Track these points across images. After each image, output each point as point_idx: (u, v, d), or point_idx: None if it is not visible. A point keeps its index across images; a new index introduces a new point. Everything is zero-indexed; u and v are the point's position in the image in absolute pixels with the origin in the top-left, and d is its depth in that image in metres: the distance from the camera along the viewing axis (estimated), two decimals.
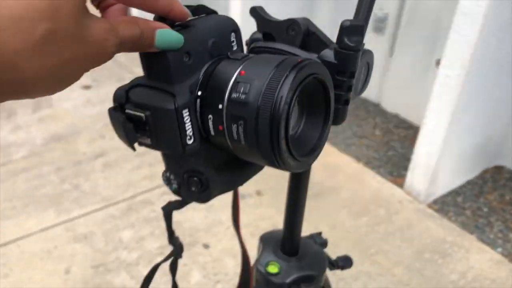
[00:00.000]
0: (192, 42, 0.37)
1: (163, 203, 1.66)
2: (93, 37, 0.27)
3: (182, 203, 0.48)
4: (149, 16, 0.36)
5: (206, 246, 1.57)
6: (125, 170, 1.95)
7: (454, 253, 1.60)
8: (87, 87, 2.63)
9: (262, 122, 0.36)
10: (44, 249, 1.56)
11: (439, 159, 1.77)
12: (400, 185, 1.93)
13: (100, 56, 0.29)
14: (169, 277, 0.60)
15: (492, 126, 1.91)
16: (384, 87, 2.57)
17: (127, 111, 0.38)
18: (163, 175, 0.46)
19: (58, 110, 2.42)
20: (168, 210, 0.49)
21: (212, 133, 0.39)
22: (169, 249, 1.55)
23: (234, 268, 1.47)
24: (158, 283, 0.64)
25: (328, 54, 0.46)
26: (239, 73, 0.38)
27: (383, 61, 2.50)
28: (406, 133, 2.37)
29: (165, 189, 1.80)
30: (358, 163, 2.08)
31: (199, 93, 0.38)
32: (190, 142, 0.38)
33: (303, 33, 0.48)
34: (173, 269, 0.55)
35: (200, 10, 0.41)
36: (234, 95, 0.37)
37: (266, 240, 0.66)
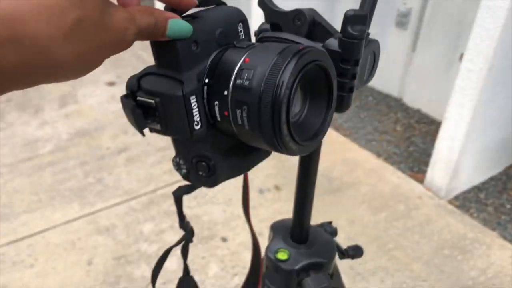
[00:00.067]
0: (200, 32, 0.39)
1: (183, 198, 1.69)
2: (115, 26, 0.29)
3: (191, 188, 0.50)
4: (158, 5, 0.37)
5: (224, 239, 1.59)
6: (146, 164, 1.99)
7: (474, 249, 1.58)
8: (111, 84, 2.68)
9: (264, 107, 0.37)
10: (68, 241, 1.60)
11: (460, 154, 1.75)
12: (421, 180, 1.92)
13: (120, 44, 0.30)
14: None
15: None
16: (406, 82, 2.55)
17: (138, 98, 0.40)
18: (173, 160, 0.47)
19: (83, 106, 2.47)
20: (178, 195, 0.51)
21: (219, 118, 0.40)
22: None
23: None
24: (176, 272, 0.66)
25: (333, 43, 0.47)
26: (244, 60, 0.39)
27: (406, 56, 2.49)
28: (428, 128, 2.35)
29: (184, 183, 1.83)
30: (378, 159, 2.07)
31: (206, 80, 0.40)
32: (197, 127, 0.40)
33: (308, 23, 0.49)
34: (185, 253, 0.57)
35: (210, 1, 0.42)
36: (238, 81, 0.38)
37: (277, 228, 0.67)
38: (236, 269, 1.47)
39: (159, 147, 2.09)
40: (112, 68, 2.74)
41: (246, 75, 0.38)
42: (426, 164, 1.93)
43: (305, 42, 0.48)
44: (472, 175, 1.91)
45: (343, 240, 1.58)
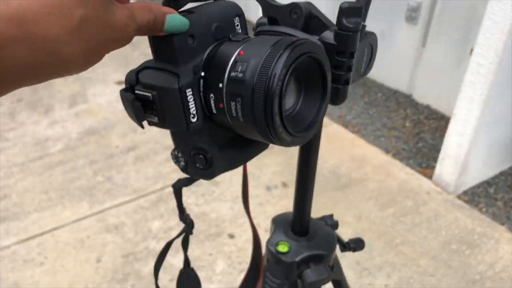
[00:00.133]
0: (196, 26, 0.40)
1: (191, 195, 1.72)
2: (117, 22, 0.30)
3: (189, 180, 0.51)
4: None
5: (231, 236, 1.60)
6: (155, 163, 2.00)
7: (483, 244, 1.58)
8: (120, 83, 2.69)
9: (257, 99, 0.37)
10: (77, 239, 1.62)
11: (469, 150, 1.74)
12: (429, 176, 1.92)
13: (121, 39, 0.32)
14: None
15: None
16: (415, 78, 2.54)
17: (136, 91, 0.40)
18: (172, 153, 0.48)
19: (93, 105, 2.49)
20: (177, 187, 0.52)
21: (214, 111, 0.41)
22: (195, 238, 1.60)
23: None
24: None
25: (328, 35, 0.47)
26: (238, 53, 0.40)
27: (415, 51, 2.47)
28: (438, 124, 2.34)
29: (185, 176, 1.84)
30: (387, 155, 2.07)
31: (202, 73, 0.40)
32: (194, 120, 0.41)
33: (305, 16, 0.50)
34: (185, 245, 0.57)
35: None
36: (232, 74, 0.39)
37: (278, 221, 0.67)
38: (243, 265, 1.48)
39: (167, 145, 2.10)
40: (121, 67, 2.76)
41: (240, 67, 0.39)
42: (435, 160, 1.93)
43: (301, 35, 0.48)
44: (481, 170, 1.90)
45: (350, 236, 1.57)
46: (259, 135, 0.40)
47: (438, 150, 1.92)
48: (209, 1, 0.43)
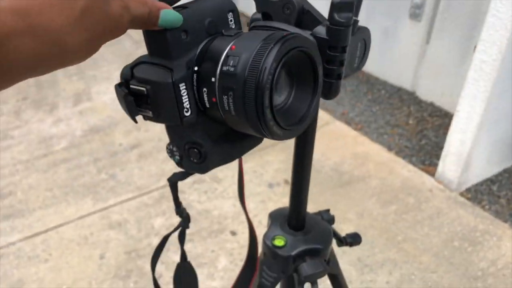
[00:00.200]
0: (189, 21, 0.40)
1: (194, 192, 1.73)
2: (113, 13, 0.31)
3: (184, 174, 0.51)
4: None
5: (233, 233, 1.60)
6: (158, 160, 2.01)
7: (485, 241, 1.58)
8: None
9: (248, 92, 0.38)
10: (81, 236, 1.63)
11: (472, 147, 1.74)
12: (432, 174, 1.91)
13: (117, 30, 0.32)
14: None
15: None
16: (419, 75, 2.53)
17: (131, 86, 0.41)
18: (167, 148, 0.48)
19: (97, 103, 2.50)
20: (173, 181, 0.52)
21: (208, 105, 0.42)
22: (197, 235, 1.61)
23: None
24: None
25: (321, 30, 0.48)
26: (230, 48, 0.40)
27: (419, 48, 2.47)
28: (441, 121, 2.33)
29: (195, 178, 1.85)
30: (390, 152, 2.07)
31: (196, 68, 0.41)
32: (187, 114, 0.41)
33: (297, 12, 0.50)
34: (181, 239, 0.58)
35: None
36: (224, 68, 0.39)
37: (275, 216, 0.68)
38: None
39: None
40: (125, 65, 2.77)
41: (232, 61, 0.39)
42: (438, 157, 1.92)
43: (294, 30, 0.49)
44: (484, 167, 1.90)
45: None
46: (251, 129, 0.41)
47: (441, 148, 1.91)
48: None
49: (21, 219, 1.70)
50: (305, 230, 0.65)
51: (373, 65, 2.76)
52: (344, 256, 1.51)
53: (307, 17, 0.51)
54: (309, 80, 0.44)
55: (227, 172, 1.86)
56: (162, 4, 0.37)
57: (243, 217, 1.67)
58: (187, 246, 1.55)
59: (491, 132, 1.76)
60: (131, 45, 3.01)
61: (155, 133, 2.18)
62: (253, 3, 0.50)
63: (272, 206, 1.69)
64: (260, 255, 0.67)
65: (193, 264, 1.49)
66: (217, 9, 0.44)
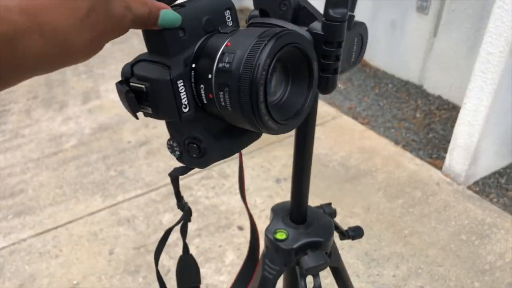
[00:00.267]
0: (187, 20, 0.41)
1: (201, 188, 1.74)
2: (116, 13, 0.32)
3: (185, 169, 0.53)
4: None
5: (240, 228, 1.62)
6: (166, 157, 2.03)
7: (492, 234, 1.57)
8: None
9: (243, 88, 0.39)
10: (90, 232, 1.65)
11: (480, 140, 1.73)
12: (439, 167, 1.91)
13: (119, 30, 0.33)
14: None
15: None
16: (427, 68, 2.52)
17: (131, 83, 0.42)
18: (167, 143, 0.49)
19: (105, 101, 2.52)
20: (173, 176, 0.54)
21: (205, 101, 0.43)
22: (205, 230, 1.62)
23: None
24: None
25: (316, 26, 0.48)
26: (226, 45, 0.41)
27: (427, 42, 2.46)
28: (449, 114, 2.32)
29: (203, 174, 1.86)
30: (396, 146, 2.07)
31: (193, 65, 0.42)
32: (185, 110, 0.42)
33: (294, 8, 0.51)
34: (183, 232, 0.59)
35: None
36: (220, 64, 0.40)
37: (277, 210, 0.69)
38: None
39: None
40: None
41: (227, 58, 0.40)
42: (446, 150, 1.92)
43: (290, 26, 0.50)
44: (492, 160, 1.89)
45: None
46: (247, 124, 0.42)
47: (449, 141, 1.91)
48: None
49: (32, 216, 1.73)
50: (307, 224, 0.66)
51: (380, 59, 2.75)
52: (351, 250, 1.52)
53: (303, 13, 0.52)
54: (304, 75, 0.45)
55: (234, 167, 1.87)
56: (162, 4, 0.38)
57: (251, 211, 1.68)
58: (195, 241, 1.57)
59: (498, 124, 1.76)
60: (139, 43, 3.02)
61: (163, 130, 2.17)
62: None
63: (279, 201, 1.70)
64: (263, 249, 0.68)
65: (201, 259, 1.51)
66: (214, 7, 0.45)
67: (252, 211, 1.68)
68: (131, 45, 3.02)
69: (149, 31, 0.40)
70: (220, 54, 0.41)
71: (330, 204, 0.71)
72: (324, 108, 2.34)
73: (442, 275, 1.43)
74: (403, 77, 2.67)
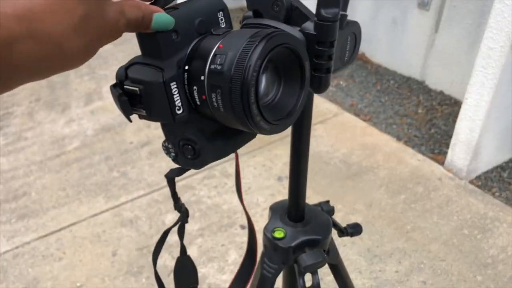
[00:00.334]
0: (180, 22, 0.42)
1: (204, 187, 1.75)
2: (110, 18, 0.32)
3: (181, 170, 0.53)
4: None
5: (243, 227, 1.62)
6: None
7: (495, 228, 1.57)
8: None
9: (234, 89, 0.39)
10: (94, 233, 1.66)
11: (481, 135, 1.73)
12: (441, 162, 1.91)
13: (113, 34, 0.33)
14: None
15: None
16: (428, 64, 2.52)
17: (125, 86, 0.43)
18: (163, 145, 0.50)
19: (108, 102, 2.53)
20: (170, 177, 0.54)
21: (198, 103, 0.43)
22: (207, 229, 1.62)
23: None
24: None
25: (309, 26, 0.48)
26: (218, 46, 0.42)
27: (428, 38, 2.46)
28: (451, 110, 2.32)
29: (205, 173, 1.87)
30: (398, 142, 2.07)
31: (186, 67, 0.43)
32: (179, 112, 0.43)
33: (286, 9, 0.51)
34: (181, 233, 0.60)
35: None
36: (212, 66, 0.41)
37: (275, 208, 0.69)
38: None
39: None
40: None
41: (219, 60, 0.40)
42: (448, 145, 1.92)
43: (283, 27, 0.50)
44: (494, 155, 1.89)
45: (360, 223, 1.59)
46: (239, 124, 0.42)
47: (450, 136, 1.91)
48: None
49: (35, 219, 1.74)
50: (305, 222, 0.66)
51: (382, 56, 2.75)
52: (353, 247, 1.52)
53: (296, 14, 0.52)
54: (296, 76, 0.45)
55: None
56: (155, 7, 0.38)
57: (253, 210, 1.69)
58: (198, 241, 1.57)
59: (500, 119, 1.75)
60: None
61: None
62: None
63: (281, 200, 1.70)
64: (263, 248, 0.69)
65: (204, 258, 1.52)
66: (207, 9, 0.45)
67: (254, 210, 1.69)
68: (133, 46, 3.02)
69: (143, 34, 0.41)
70: (212, 55, 0.41)
71: (328, 201, 0.71)
72: (325, 105, 2.34)
73: (445, 269, 1.44)
74: (404, 73, 2.67)
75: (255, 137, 0.52)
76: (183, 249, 0.62)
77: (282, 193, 1.75)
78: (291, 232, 0.64)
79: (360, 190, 1.76)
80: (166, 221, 1.68)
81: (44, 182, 1.95)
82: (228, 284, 0.72)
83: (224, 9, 0.47)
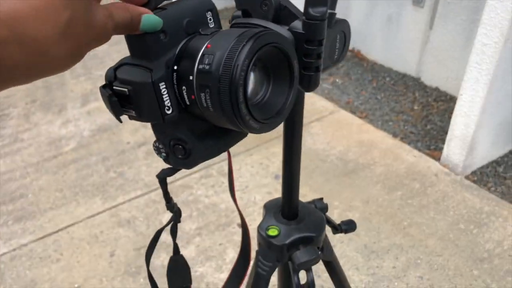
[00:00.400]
0: (168, 22, 0.42)
1: (201, 186, 1.75)
2: (97, 23, 0.32)
3: (172, 170, 0.53)
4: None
5: (240, 225, 1.62)
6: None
7: (490, 222, 1.58)
8: None
9: (223, 89, 0.39)
10: (91, 234, 1.66)
11: (476, 130, 1.74)
12: (437, 158, 1.92)
13: (101, 38, 0.33)
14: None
15: None
16: (424, 61, 2.53)
17: (114, 87, 0.43)
18: (153, 145, 0.50)
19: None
20: (161, 177, 0.54)
21: (188, 102, 0.43)
22: (205, 228, 1.63)
23: None
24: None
25: (297, 24, 0.49)
26: (206, 46, 0.42)
27: (423, 34, 2.46)
28: (447, 106, 2.33)
29: (202, 173, 1.87)
30: (395, 139, 2.07)
31: (175, 67, 0.43)
32: (169, 112, 0.43)
33: (275, 8, 0.52)
34: (173, 233, 0.60)
35: None
36: (200, 66, 0.41)
37: (269, 206, 0.70)
38: (252, 253, 1.51)
39: None
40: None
41: (207, 60, 0.41)
42: (444, 141, 1.92)
43: (272, 26, 0.50)
44: (489, 150, 1.90)
45: (357, 220, 1.59)
46: (229, 124, 0.42)
47: (446, 132, 1.91)
48: None
49: (32, 220, 1.74)
50: (298, 219, 0.67)
51: (377, 53, 2.76)
52: (350, 244, 1.53)
53: (285, 13, 0.52)
54: (285, 75, 0.46)
55: (233, 165, 1.88)
56: (143, 9, 0.38)
57: (250, 209, 1.69)
58: (195, 240, 1.58)
59: (494, 114, 1.76)
60: None
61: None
62: None
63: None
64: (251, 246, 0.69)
65: (202, 257, 1.52)
66: (195, 9, 0.45)
67: (252, 208, 1.69)
68: None
69: (131, 36, 0.41)
70: (201, 55, 0.41)
71: (321, 199, 0.72)
72: (321, 103, 2.35)
73: (441, 264, 1.44)
74: (400, 70, 2.67)
75: (246, 136, 0.52)
76: (176, 248, 0.63)
77: (280, 191, 1.74)
78: (285, 230, 0.65)
79: (356, 187, 1.77)
80: (163, 220, 1.68)
81: (41, 183, 1.95)
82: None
83: (213, 9, 0.47)
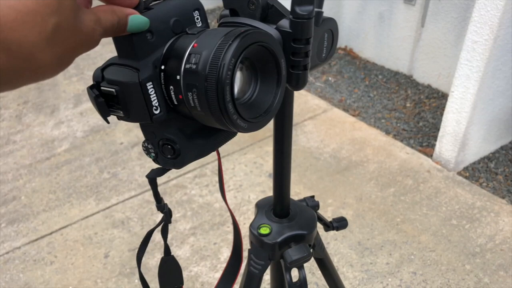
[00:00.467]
0: (155, 22, 0.42)
1: (195, 186, 1.75)
2: (85, 28, 0.32)
3: (162, 170, 0.53)
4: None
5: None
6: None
7: (482, 217, 1.59)
8: None
9: (209, 88, 0.40)
10: (85, 236, 1.66)
11: (468, 126, 1.75)
12: (430, 155, 1.93)
13: (89, 43, 0.33)
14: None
15: None
16: (415, 58, 2.54)
17: (102, 88, 0.43)
18: (142, 145, 0.50)
19: None
20: (151, 177, 0.54)
21: (175, 102, 0.43)
22: (200, 228, 1.63)
23: None
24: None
25: (284, 23, 0.49)
26: (192, 46, 0.42)
27: (415, 32, 2.47)
28: (439, 103, 2.34)
29: (196, 173, 1.87)
30: (387, 136, 2.08)
31: (162, 67, 0.43)
32: (156, 112, 0.43)
33: (262, 7, 0.52)
34: (164, 233, 0.60)
35: None
36: (187, 66, 0.41)
37: (261, 205, 0.70)
38: (246, 253, 1.51)
39: None
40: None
41: (194, 59, 0.41)
42: (436, 138, 1.94)
43: (259, 25, 0.50)
44: (481, 146, 1.91)
45: (350, 217, 1.60)
46: (217, 123, 0.42)
47: (438, 129, 1.92)
48: None
49: (25, 223, 1.73)
50: (290, 217, 0.67)
51: (369, 51, 2.76)
52: (344, 241, 1.53)
53: (272, 12, 0.52)
54: (272, 73, 0.46)
55: (227, 165, 1.88)
56: (129, 10, 0.38)
57: (244, 208, 1.69)
58: (190, 240, 1.58)
59: (485, 110, 1.77)
60: None
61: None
62: None
63: None
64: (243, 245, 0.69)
65: (196, 257, 1.52)
66: (182, 8, 0.45)
67: (246, 207, 1.69)
68: None
69: (118, 36, 0.41)
70: (187, 55, 0.41)
71: (313, 196, 0.72)
72: (315, 102, 2.35)
73: (434, 260, 1.45)
74: (392, 67, 2.68)
75: (235, 135, 0.52)
76: (166, 249, 0.63)
77: None
78: (276, 228, 0.65)
79: (350, 184, 1.78)
80: (158, 221, 1.67)
81: (34, 185, 1.94)
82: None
83: (200, 8, 0.47)
